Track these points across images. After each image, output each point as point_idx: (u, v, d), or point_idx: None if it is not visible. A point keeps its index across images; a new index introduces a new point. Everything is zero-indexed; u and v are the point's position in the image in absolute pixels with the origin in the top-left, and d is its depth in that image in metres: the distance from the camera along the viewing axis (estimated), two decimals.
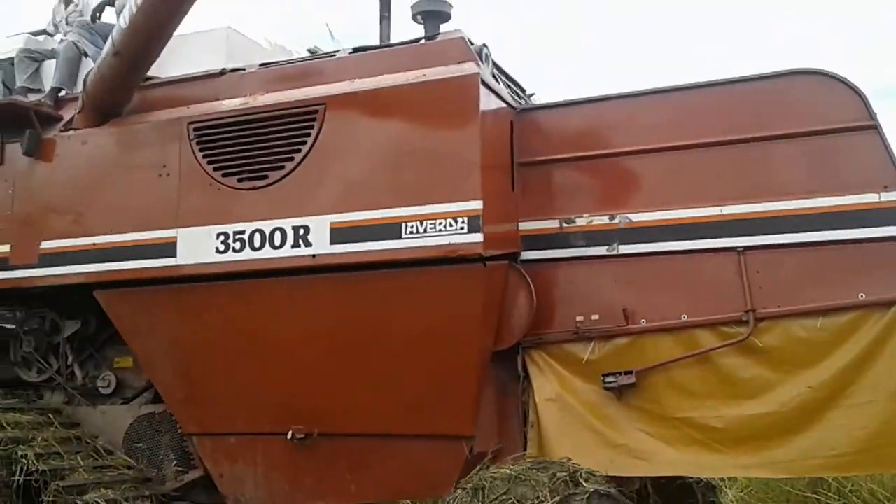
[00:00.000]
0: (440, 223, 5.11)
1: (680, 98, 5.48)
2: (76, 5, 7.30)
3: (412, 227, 5.18)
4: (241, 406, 5.88)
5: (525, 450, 5.37)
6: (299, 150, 5.53)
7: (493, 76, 5.69)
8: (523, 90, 6.59)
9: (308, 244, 5.43)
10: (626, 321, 5.29)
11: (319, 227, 5.41)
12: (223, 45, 6.59)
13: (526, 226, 5.62)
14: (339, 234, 5.35)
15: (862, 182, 4.96)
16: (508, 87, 6.08)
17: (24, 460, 5.68)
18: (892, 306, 4.83)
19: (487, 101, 5.32)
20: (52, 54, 7.15)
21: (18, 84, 7.10)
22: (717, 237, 5.19)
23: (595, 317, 5.38)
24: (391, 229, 5.22)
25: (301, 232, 5.46)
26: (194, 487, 6.20)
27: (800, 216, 5.04)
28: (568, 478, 4.58)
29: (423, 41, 5.71)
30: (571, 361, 5.40)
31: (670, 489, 6.75)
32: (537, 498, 4.41)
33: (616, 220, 5.41)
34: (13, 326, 6.92)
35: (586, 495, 4.40)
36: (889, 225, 4.87)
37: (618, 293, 5.38)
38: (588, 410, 5.31)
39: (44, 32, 7.54)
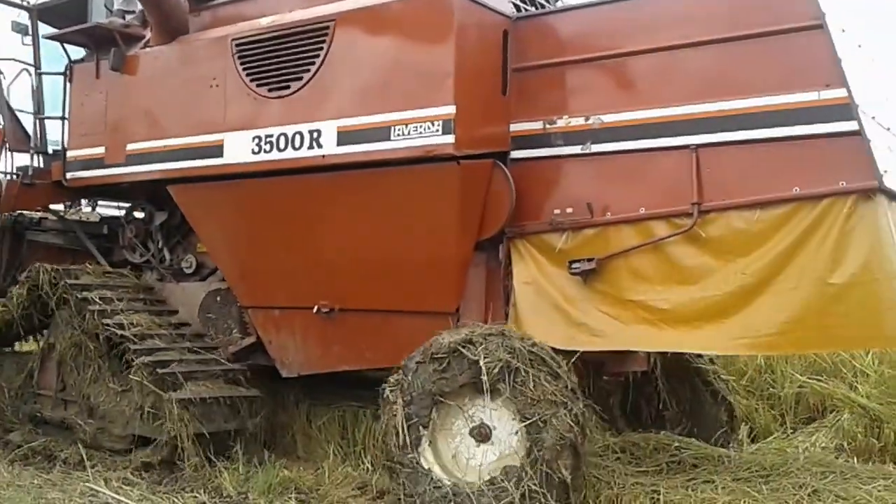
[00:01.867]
0: (420, 126, 5.82)
1: (648, 5, 5.84)
2: None
3: (399, 130, 5.92)
4: (281, 283, 6.92)
5: None
6: (314, 63, 6.34)
7: None
8: None
9: (319, 146, 6.28)
10: (592, 214, 5.84)
11: (328, 130, 6.24)
12: None
13: (516, 127, 6.19)
14: (344, 137, 6.17)
15: (805, 81, 5.21)
16: None
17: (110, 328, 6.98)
18: (822, 199, 5.14)
19: (469, 14, 5.90)
20: None
21: (116, 6, 8.22)
22: (674, 135, 5.60)
23: (569, 210, 5.95)
24: (382, 132, 5.98)
25: (315, 135, 6.31)
26: (254, 351, 7.34)
27: (747, 115, 5.34)
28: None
29: None
30: (547, 249, 6.01)
31: (678, 373, 7.34)
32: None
33: (590, 121, 5.90)
34: (121, 215, 8.31)
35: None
36: (824, 122, 5.13)
37: (589, 189, 5.90)
38: (558, 293, 5.93)
39: None
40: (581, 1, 6.88)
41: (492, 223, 6.10)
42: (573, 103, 6.01)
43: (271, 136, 6.53)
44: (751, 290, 5.29)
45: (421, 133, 5.82)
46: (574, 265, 5.83)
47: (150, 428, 6.75)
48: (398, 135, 5.92)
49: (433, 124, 5.77)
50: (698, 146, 5.52)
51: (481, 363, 5.12)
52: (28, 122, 8.50)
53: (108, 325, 6.95)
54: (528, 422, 5.04)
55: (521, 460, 5.07)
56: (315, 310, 6.64)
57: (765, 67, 5.38)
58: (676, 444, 6.49)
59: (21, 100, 8.44)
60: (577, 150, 5.96)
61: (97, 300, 7.16)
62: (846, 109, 5.04)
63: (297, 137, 6.40)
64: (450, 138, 5.71)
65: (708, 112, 5.50)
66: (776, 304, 5.20)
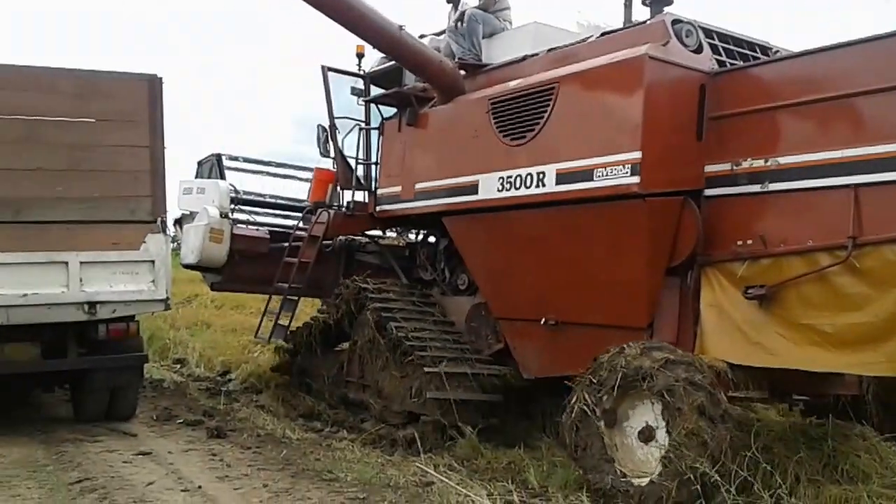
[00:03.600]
0: (615, 169, 6.95)
1: (822, 59, 6.49)
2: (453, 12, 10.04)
3: (600, 172, 7.09)
4: (520, 298, 8.30)
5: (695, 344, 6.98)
6: (542, 117, 7.69)
7: (698, 48, 7.20)
8: (764, 49, 7.76)
9: (543, 185, 7.61)
10: (765, 245, 6.56)
11: (550, 172, 7.56)
12: (530, 36, 8.85)
13: (710, 168, 7.06)
14: (561, 178, 7.45)
15: None
16: (725, 50, 7.42)
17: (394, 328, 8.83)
18: None
19: (660, 73, 6.91)
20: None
21: None
22: (837, 175, 6.19)
23: (749, 241, 6.72)
24: (588, 174, 7.19)
25: (540, 176, 7.65)
26: (502, 355, 8.79)
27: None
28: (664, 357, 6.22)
29: (636, 26, 7.45)
30: (729, 276, 6.81)
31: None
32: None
33: (769, 163, 6.64)
34: (416, 242, 10.24)
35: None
36: None
37: (766, 223, 6.65)
38: (738, 315, 6.71)
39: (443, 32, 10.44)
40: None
41: (681, 252, 7.04)
42: (756, 147, 6.76)
43: (511, 176, 7.97)
44: None
45: (615, 175, 6.94)
46: (749, 290, 6.59)
47: (418, 405, 8.45)
48: (599, 176, 7.08)
49: (623, 167, 6.88)
50: (858, 185, 6.07)
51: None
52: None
53: (391, 326, 8.79)
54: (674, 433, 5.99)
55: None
56: (542, 322, 7.94)
57: None
58: None
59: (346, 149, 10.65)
60: (756, 188, 6.71)
61: (385, 307, 9.07)
62: None
63: (529, 178, 7.77)
64: (636, 179, 6.78)
65: (866, 155, 6.04)
66: None
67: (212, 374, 12.86)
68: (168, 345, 15.40)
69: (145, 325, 15.70)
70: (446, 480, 6.74)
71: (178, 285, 14.15)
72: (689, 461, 5.80)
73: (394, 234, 11.41)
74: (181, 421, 9.32)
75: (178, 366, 13.97)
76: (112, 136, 9.11)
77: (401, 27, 8.53)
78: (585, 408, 6.53)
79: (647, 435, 6.32)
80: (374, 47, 9.19)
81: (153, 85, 9.31)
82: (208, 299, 18.63)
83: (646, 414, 6.36)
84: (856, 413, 7.76)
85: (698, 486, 5.78)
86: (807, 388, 7.47)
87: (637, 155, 6.80)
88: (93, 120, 9.11)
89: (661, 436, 6.19)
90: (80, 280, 8.49)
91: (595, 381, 6.54)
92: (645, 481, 6.14)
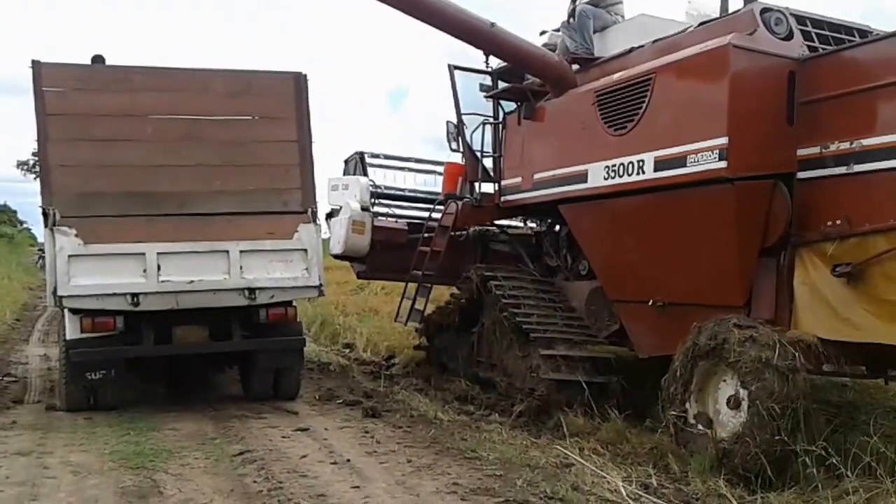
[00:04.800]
0: (705, 155, 7.31)
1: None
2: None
3: (692, 158, 7.46)
4: (631, 281, 8.75)
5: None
6: (641, 106, 8.10)
7: (788, 35, 7.44)
8: (863, 33, 7.85)
9: (643, 172, 8.03)
10: (850, 226, 6.77)
11: (649, 160, 7.97)
12: (638, 28, 9.23)
13: (802, 152, 7.28)
14: (659, 165, 7.85)
15: None
16: (819, 36, 7.59)
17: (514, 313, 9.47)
18: None
19: (745, 61, 7.20)
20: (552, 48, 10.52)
21: None
22: None
23: (838, 222, 6.93)
24: (681, 160, 7.56)
25: (640, 164, 8.07)
26: (620, 336, 9.26)
27: None
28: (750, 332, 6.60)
29: (729, 15, 7.76)
30: (820, 255, 7.04)
31: None
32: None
33: (853, 146, 6.83)
34: (539, 229, 10.84)
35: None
36: None
37: (852, 203, 6.84)
38: (827, 292, 6.95)
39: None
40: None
41: (773, 233, 7.33)
42: (842, 130, 6.94)
43: (615, 165, 8.42)
44: None
45: (705, 160, 7.30)
46: (837, 268, 6.81)
47: (533, 381, 9.07)
48: (692, 162, 7.45)
49: (712, 153, 7.23)
50: None
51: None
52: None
53: (511, 311, 9.46)
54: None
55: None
56: (650, 303, 8.37)
57: None
58: None
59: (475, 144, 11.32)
60: (843, 170, 6.91)
61: (507, 293, 9.72)
62: None
63: (631, 166, 8.21)
64: (723, 164, 7.13)
65: None
66: None
67: (377, 359, 13.67)
68: (338, 330, 16.49)
69: (317, 311, 17.16)
70: (584, 462, 6.98)
71: (348, 273, 15.18)
72: (761, 434, 6.21)
73: (521, 224, 12.01)
74: (341, 401, 9.91)
75: (347, 350, 14.89)
76: (263, 131, 9.82)
77: (492, 24, 9.09)
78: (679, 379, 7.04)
79: (733, 404, 6.77)
80: (471, 45, 9.66)
81: (299, 82, 9.93)
82: (379, 287, 19.58)
83: (731, 385, 6.79)
84: None
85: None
86: None
87: (724, 141, 7.14)
88: (247, 117, 9.86)
89: (745, 406, 6.58)
90: (241, 268, 9.12)
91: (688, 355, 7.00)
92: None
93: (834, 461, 6.20)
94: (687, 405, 7.13)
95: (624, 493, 6.17)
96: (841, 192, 6.96)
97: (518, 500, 6.03)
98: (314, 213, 9.64)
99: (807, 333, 6.93)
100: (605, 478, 6.52)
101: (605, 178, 8.56)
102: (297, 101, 9.88)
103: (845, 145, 6.89)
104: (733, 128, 7.12)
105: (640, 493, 6.27)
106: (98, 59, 10.03)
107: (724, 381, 6.91)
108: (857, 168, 6.79)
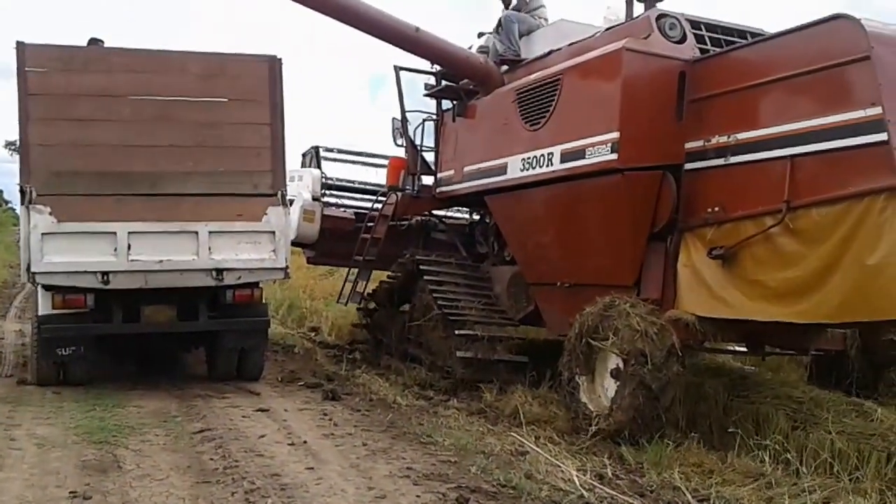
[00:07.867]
0: (600, 148, 8.03)
1: (767, 48, 7.40)
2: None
3: (590, 151, 8.18)
4: (544, 265, 9.46)
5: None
6: (552, 104, 8.83)
7: (682, 38, 8.17)
8: (756, 35, 8.55)
9: (552, 164, 8.76)
10: (726, 212, 7.48)
11: (556, 153, 8.69)
12: (557, 32, 9.96)
13: (689, 145, 7.99)
14: (564, 157, 8.57)
15: (857, 100, 6.44)
16: (712, 39, 8.31)
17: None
18: (864, 197, 6.32)
19: (637, 63, 7.93)
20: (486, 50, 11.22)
21: None
22: (779, 148, 7.06)
23: (716, 209, 7.64)
24: (581, 153, 8.28)
25: (550, 156, 8.80)
26: (533, 316, 9.97)
27: (821, 131, 6.70)
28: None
29: (628, 22, 8.51)
30: (701, 239, 7.75)
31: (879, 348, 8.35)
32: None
33: (730, 139, 7.55)
34: (472, 219, 11.56)
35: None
36: (869, 134, 6.32)
37: (728, 192, 7.56)
38: (705, 273, 7.65)
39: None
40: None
41: (660, 219, 8.06)
42: (722, 125, 7.63)
43: (530, 158, 9.14)
44: (826, 270, 6.60)
45: (600, 153, 8.02)
46: (713, 251, 7.52)
47: (453, 362, 9.77)
48: (590, 154, 8.17)
49: (606, 146, 7.96)
50: (793, 156, 6.93)
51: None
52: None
53: (435, 294, 10.18)
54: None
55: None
56: (558, 284, 9.08)
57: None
58: None
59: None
60: (721, 161, 7.63)
61: (434, 277, 10.44)
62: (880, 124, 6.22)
63: (542, 158, 8.93)
64: (614, 156, 7.86)
65: (798, 129, 6.90)
66: (840, 282, 6.48)
67: (341, 343, 13.82)
68: (304, 314, 16.63)
69: (285, 294, 17.46)
70: (539, 451, 7.00)
71: None
72: (633, 400, 6.94)
73: (462, 215, 12.74)
74: (302, 383, 9.96)
75: (313, 333, 15.06)
76: (236, 114, 9.78)
77: (417, 28, 9.80)
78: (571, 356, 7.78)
79: (615, 375, 7.47)
80: (398, 48, 10.35)
81: (273, 65, 9.87)
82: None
83: (614, 359, 7.53)
84: (838, 369, 8.56)
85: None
86: (788, 343, 8.29)
87: (615, 135, 7.86)
88: (221, 99, 9.82)
89: (623, 377, 7.30)
90: (209, 249, 9.15)
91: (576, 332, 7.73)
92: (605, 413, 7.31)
93: (790, 457, 6.72)
94: (578, 378, 7.82)
95: (577, 483, 6.13)
96: (719, 182, 7.66)
97: (471, 487, 5.99)
98: (284, 196, 9.67)
99: (685, 311, 7.64)
100: (559, 467, 6.54)
101: (522, 170, 9.28)
102: (272, 84, 9.86)
103: (724, 139, 7.59)
104: (624, 123, 7.85)
105: (594, 483, 6.24)
106: (94, 43, 10.47)
107: (610, 356, 7.61)
108: (733, 160, 7.50)
